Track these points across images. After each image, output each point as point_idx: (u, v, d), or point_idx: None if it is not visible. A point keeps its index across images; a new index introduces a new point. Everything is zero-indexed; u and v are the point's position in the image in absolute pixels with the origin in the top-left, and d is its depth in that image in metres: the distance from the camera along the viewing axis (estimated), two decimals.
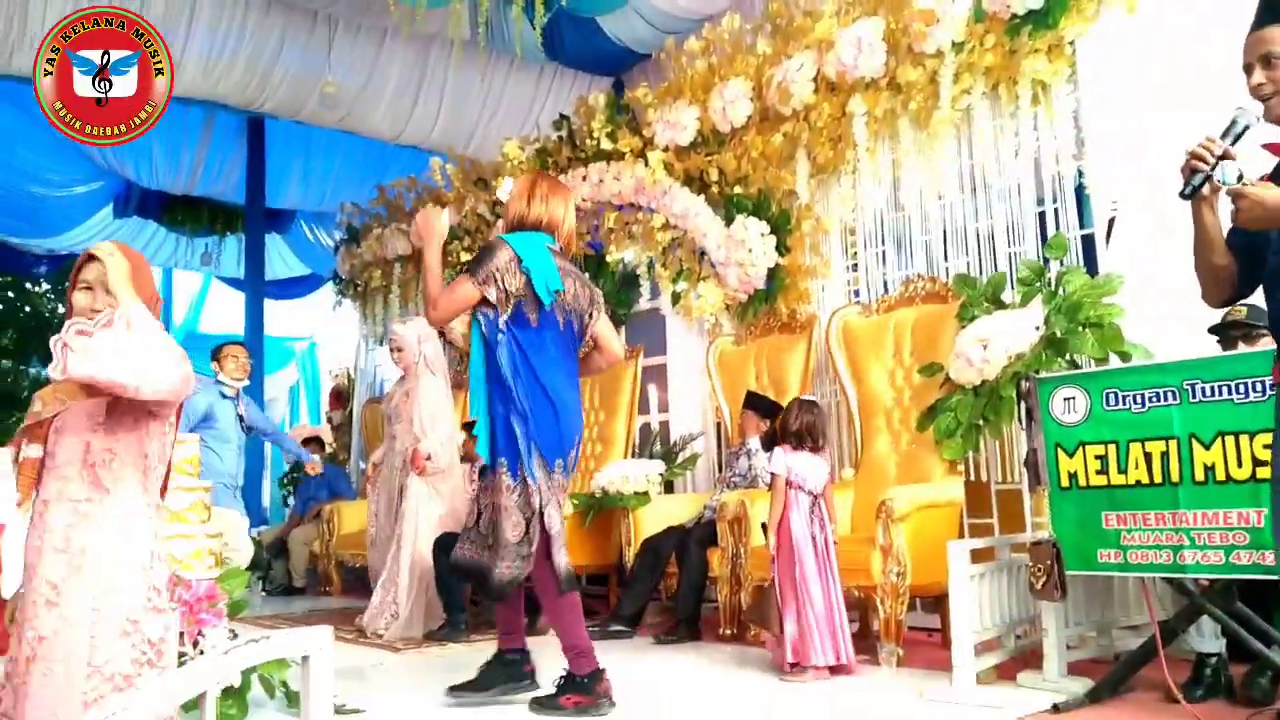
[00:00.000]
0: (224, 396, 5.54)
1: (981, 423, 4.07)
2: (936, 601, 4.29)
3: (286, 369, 14.83)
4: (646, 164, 6.09)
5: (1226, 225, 2.13)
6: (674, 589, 4.96)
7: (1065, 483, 3.21)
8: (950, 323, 4.39)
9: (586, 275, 3.67)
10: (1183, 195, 2.15)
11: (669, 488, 5.73)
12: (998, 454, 4.44)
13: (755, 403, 4.99)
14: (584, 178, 6.54)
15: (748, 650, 4.26)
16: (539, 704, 3.26)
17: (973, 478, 4.48)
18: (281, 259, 12.22)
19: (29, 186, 10.36)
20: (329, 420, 10.09)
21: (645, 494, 5.32)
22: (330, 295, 10.20)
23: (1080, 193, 4.42)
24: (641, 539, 5.11)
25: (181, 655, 2.78)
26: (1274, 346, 2.19)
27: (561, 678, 3.29)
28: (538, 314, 3.29)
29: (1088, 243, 4.38)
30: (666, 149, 6.05)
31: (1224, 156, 2.09)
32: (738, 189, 5.66)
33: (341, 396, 10.05)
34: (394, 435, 5.51)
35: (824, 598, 3.73)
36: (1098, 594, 3.56)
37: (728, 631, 4.55)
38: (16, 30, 6.49)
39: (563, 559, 3.27)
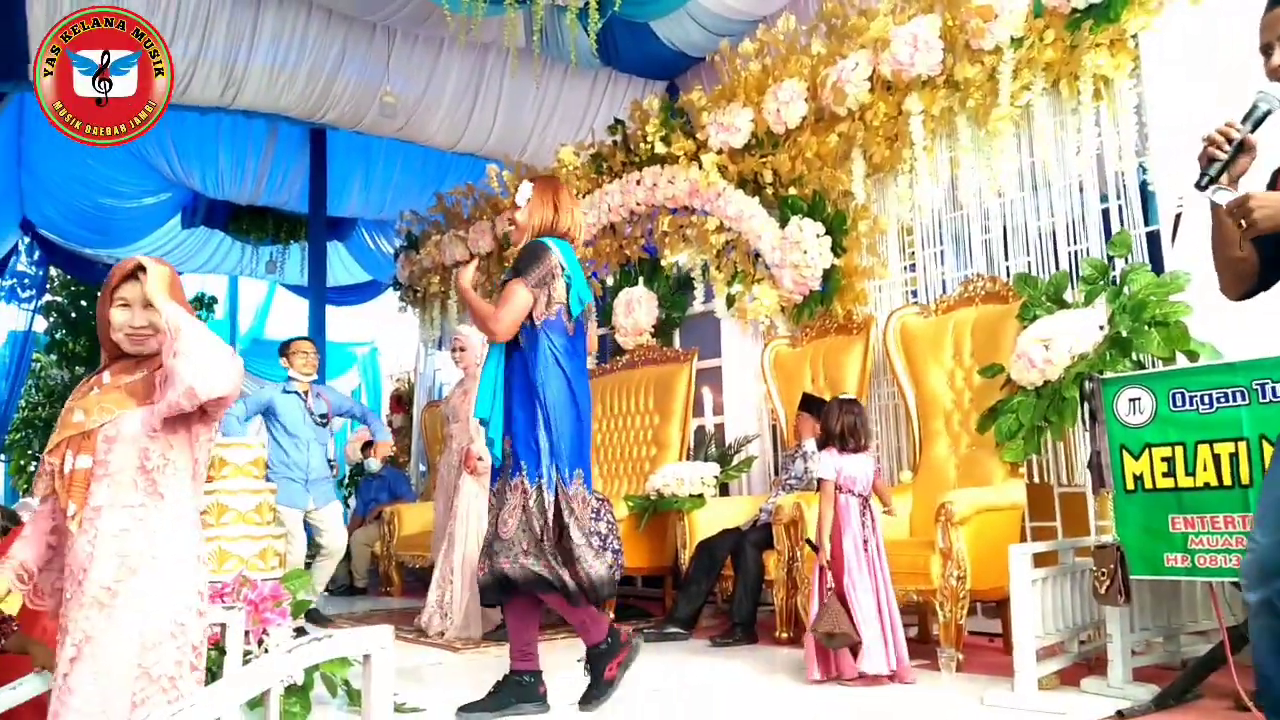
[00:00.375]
0: (286, 392, 5.64)
1: (1044, 424, 4.00)
2: (998, 606, 4.22)
3: (348, 374, 15.10)
4: (700, 167, 6.10)
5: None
6: (729, 592, 4.95)
7: (1130, 485, 3.14)
8: (1011, 323, 4.33)
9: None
10: (1198, 186, 2.04)
11: (724, 490, 5.72)
12: (1061, 456, 4.36)
13: (810, 405, 4.96)
14: (638, 181, 6.57)
15: (800, 654, 4.22)
16: (587, 700, 3.26)
17: (1035, 480, 4.41)
18: (343, 266, 12.45)
19: (100, 199, 10.70)
20: (389, 423, 10.25)
21: (700, 496, 5.32)
22: (390, 301, 10.37)
23: (1145, 189, 4.33)
24: (697, 541, 5.11)
25: (246, 653, 2.85)
26: None
27: (586, 663, 3.29)
28: (573, 322, 3.32)
29: (1153, 240, 4.28)
30: (720, 151, 6.05)
31: (1241, 145, 2.00)
32: (792, 190, 5.64)
33: (402, 400, 10.20)
34: (451, 435, 5.58)
35: (874, 604, 3.67)
36: (1164, 598, 3.47)
37: (784, 635, 4.53)
38: None
39: (590, 569, 3.20)
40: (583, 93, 8.50)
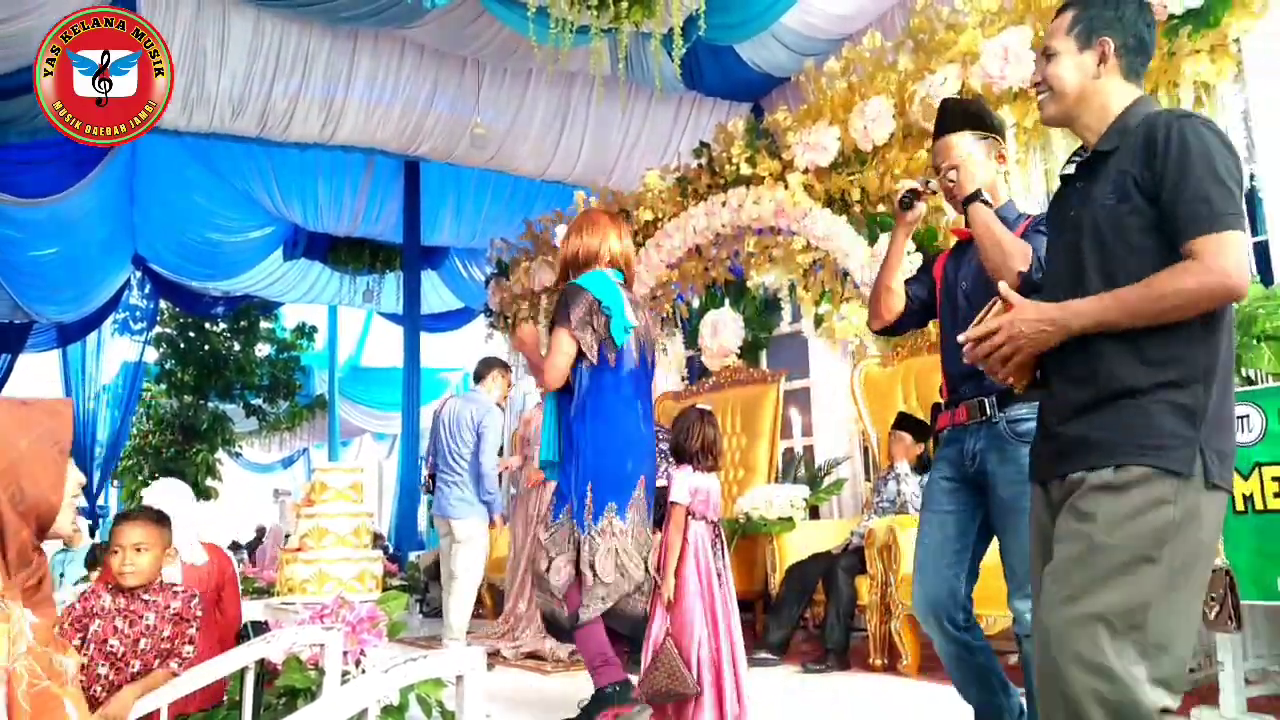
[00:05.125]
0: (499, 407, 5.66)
1: None
2: None
3: (441, 398, 15.42)
4: (786, 187, 6.07)
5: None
6: (821, 617, 4.87)
7: (1240, 506, 3.01)
8: None
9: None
10: (902, 205, 2.67)
11: (814, 514, 5.65)
12: None
13: (907, 424, 4.87)
14: (723, 203, 6.57)
15: (894, 681, 4.14)
16: None
17: None
18: (436, 294, 12.74)
19: (208, 233, 11.19)
20: None
21: (789, 519, 5.25)
22: (481, 327, 10.56)
23: (1252, 196, 4.16)
24: (786, 565, 5.05)
25: (345, 674, 2.91)
26: None
27: (590, 701, 3.19)
28: (615, 353, 3.27)
29: (1261, 250, 4.11)
30: (806, 171, 6.01)
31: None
32: (881, 207, 5.57)
33: None
34: (529, 456, 5.62)
35: (715, 648, 3.19)
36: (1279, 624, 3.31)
37: (878, 661, 4.44)
38: (195, 90, 7.04)
39: (593, 609, 3.16)
40: (668, 117, 8.57)
